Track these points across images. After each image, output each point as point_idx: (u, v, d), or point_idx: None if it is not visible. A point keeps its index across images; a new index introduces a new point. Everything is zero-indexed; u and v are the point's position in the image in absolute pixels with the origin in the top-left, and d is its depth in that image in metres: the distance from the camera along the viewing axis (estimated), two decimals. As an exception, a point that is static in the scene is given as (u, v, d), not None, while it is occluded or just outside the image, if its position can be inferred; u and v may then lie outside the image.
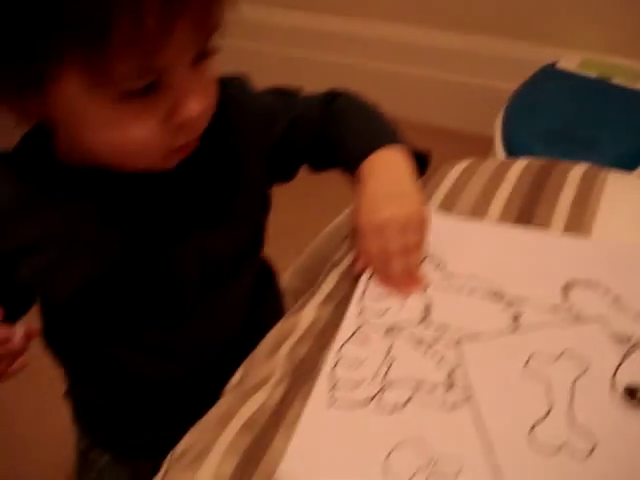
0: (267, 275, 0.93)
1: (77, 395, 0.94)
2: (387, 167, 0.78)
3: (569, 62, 1.92)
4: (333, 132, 0.84)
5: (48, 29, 0.55)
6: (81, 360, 0.84)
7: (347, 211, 1.06)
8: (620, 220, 0.85)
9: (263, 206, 0.85)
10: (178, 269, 0.77)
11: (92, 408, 0.92)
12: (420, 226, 0.76)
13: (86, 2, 0.54)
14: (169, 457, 0.70)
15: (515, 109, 1.84)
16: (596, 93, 1.85)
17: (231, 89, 0.76)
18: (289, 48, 2.29)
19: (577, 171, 0.92)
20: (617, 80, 1.86)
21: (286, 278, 1.14)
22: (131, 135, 0.62)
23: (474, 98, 2.10)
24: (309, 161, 0.87)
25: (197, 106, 0.63)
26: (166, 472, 0.68)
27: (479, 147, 1.76)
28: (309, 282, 0.95)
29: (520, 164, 0.94)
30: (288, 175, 0.88)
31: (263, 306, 0.90)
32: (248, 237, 0.84)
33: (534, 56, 1.95)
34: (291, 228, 1.51)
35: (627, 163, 1.62)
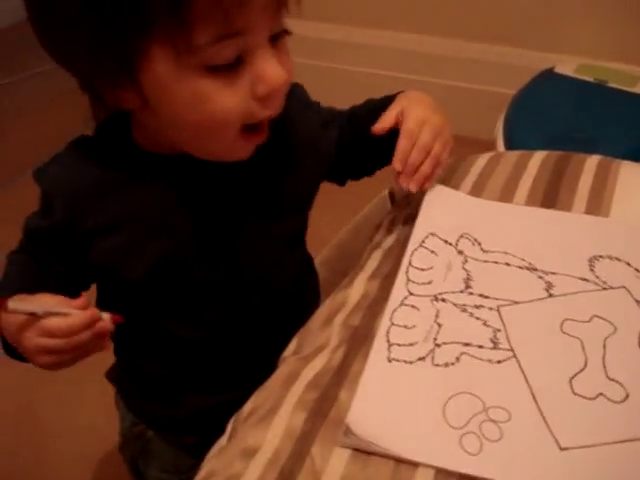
0: (309, 261, 1.00)
1: (125, 368, 0.98)
2: (418, 95, 0.88)
3: (566, 67, 2.00)
4: (361, 108, 0.94)
5: (133, 5, 0.61)
6: (135, 331, 0.88)
7: (374, 201, 1.13)
8: (635, 202, 0.93)
9: (312, 200, 0.92)
10: (242, 256, 0.83)
11: (140, 380, 0.96)
12: (446, 142, 0.85)
13: None
14: (234, 418, 0.76)
15: (516, 113, 1.91)
16: (593, 96, 1.93)
17: (294, 91, 0.81)
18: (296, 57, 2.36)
19: (593, 160, 1.00)
20: (613, 84, 1.94)
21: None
22: (217, 108, 0.67)
23: (476, 104, 2.18)
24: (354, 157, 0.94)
25: (280, 75, 0.67)
26: (234, 431, 0.75)
27: (482, 151, 1.84)
28: (336, 272, 1.03)
29: (540, 155, 1.02)
30: (343, 176, 0.97)
31: (306, 289, 0.97)
32: (299, 227, 0.91)
33: (532, 62, 2.03)
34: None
35: (626, 162, 1.70)
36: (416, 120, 0.83)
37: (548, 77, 2.00)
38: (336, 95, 2.28)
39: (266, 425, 0.70)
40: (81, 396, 1.58)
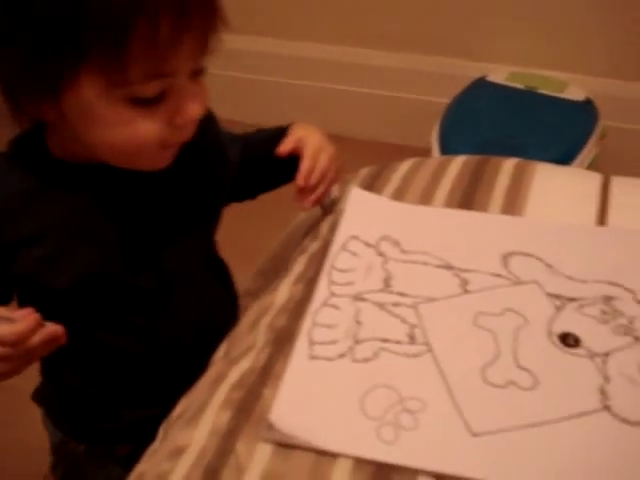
0: (226, 269, 1.02)
1: (54, 387, 0.98)
2: (311, 127, 0.96)
3: (498, 75, 2.06)
4: (255, 136, 1.01)
5: (74, 30, 0.65)
6: (64, 346, 0.89)
7: (302, 215, 1.17)
8: (548, 202, 0.97)
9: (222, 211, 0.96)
10: (165, 261, 0.86)
11: (71, 397, 0.96)
12: (339, 169, 0.94)
13: (109, 6, 0.64)
14: (166, 421, 0.79)
15: (449, 121, 1.96)
16: (524, 103, 1.98)
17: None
18: (230, 71, 2.39)
19: (510, 163, 1.04)
20: (543, 90, 2.00)
21: (249, 281, 1.24)
22: (138, 134, 0.72)
23: (412, 113, 2.23)
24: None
25: (197, 109, 0.73)
26: (165, 433, 0.77)
27: (419, 158, 1.89)
28: (271, 280, 1.06)
29: (460, 159, 1.06)
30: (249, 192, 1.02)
31: (228, 296, 1.01)
32: (212, 238, 0.95)
33: (466, 71, 2.09)
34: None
35: (556, 166, 1.76)
36: (315, 147, 0.92)
37: (480, 85, 2.05)
38: (279, 109, 2.32)
39: (194, 425, 0.73)
40: (20, 413, 1.57)
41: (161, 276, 0.85)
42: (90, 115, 0.71)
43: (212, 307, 0.94)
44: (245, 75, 2.39)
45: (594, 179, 1.02)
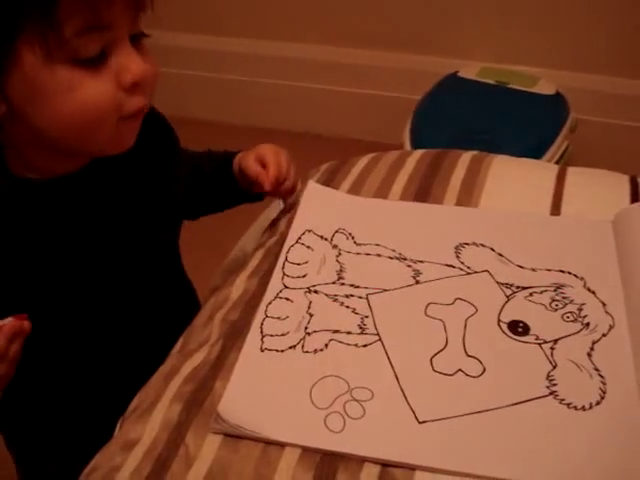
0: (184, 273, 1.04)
1: (15, 413, 0.96)
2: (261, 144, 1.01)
3: (469, 71, 2.08)
4: (203, 157, 1.05)
5: (4, 2, 0.65)
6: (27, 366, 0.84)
7: (268, 209, 1.18)
8: (504, 193, 0.98)
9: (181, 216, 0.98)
10: (123, 269, 0.86)
11: (33, 421, 0.95)
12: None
13: None
14: (122, 417, 0.80)
15: (421, 117, 1.98)
16: (496, 97, 2.00)
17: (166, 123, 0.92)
18: (206, 72, 2.40)
19: (467, 155, 1.06)
20: (514, 85, 2.02)
21: (216, 277, 1.24)
22: (88, 95, 0.70)
23: (384, 110, 2.24)
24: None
25: (142, 66, 0.72)
26: (120, 427, 0.78)
27: (392, 154, 1.89)
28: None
29: (418, 153, 1.07)
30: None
31: (186, 295, 1.02)
32: (171, 241, 0.96)
33: (436, 68, 2.11)
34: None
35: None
36: (273, 153, 0.99)
37: (452, 81, 2.07)
38: (254, 108, 2.33)
39: (146, 419, 0.74)
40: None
41: (119, 280, 0.86)
42: (37, 90, 0.70)
43: (174, 306, 0.94)
44: (224, 76, 2.40)
45: (551, 170, 1.04)
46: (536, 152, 1.86)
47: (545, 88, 2.01)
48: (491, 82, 2.04)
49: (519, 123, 1.92)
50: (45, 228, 0.79)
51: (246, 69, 2.37)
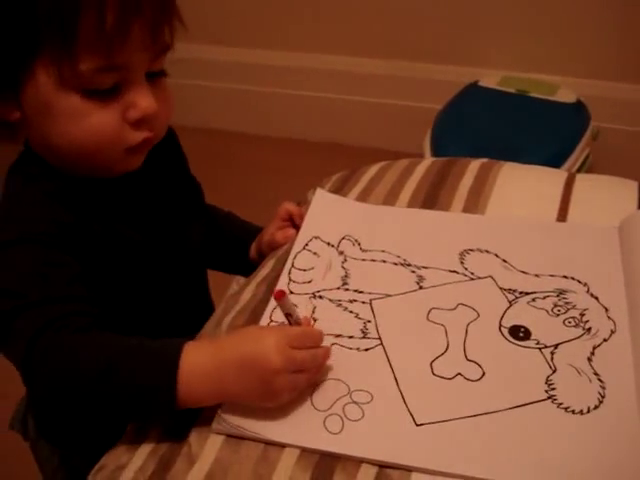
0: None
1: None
2: None
3: (489, 80, 2.08)
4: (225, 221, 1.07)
5: (26, 24, 0.69)
6: None
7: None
8: (511, 201, 0.99)
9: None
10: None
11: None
12: None
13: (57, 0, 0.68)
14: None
15: (442, 126, 1.99)
16: (516, 106, 2.01)
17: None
18: (225, 83, 2.43)
19: (476, 163, 1.07)
20: (534, 93, 2.02)
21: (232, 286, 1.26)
22: (92, 125, 0.74)
23: (405, 119, 2.26)
24: None
25: (150, 104, 0.75)
26: (127, 430, 0.79)
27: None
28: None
29: (428, 161, 1.09)
30: None
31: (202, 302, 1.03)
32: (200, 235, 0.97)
33: (457, 77, 2.12)
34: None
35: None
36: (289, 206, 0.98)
37: (472, 90, 2.07)
38: (273, 118, 2.35)
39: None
40: None
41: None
42: (48, 109, 0.74)
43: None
44: (242, 87, 2.43)
45: (559, 177, 1.04)
46: (557, 160, 1.86)
47: (566, 96, 2.01)
48: (512, 91, 2.04)
49: (540, 132, 1.93)
50: (111, 221, 0.81)
51: (266, 79, 2.40)
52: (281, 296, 0.72)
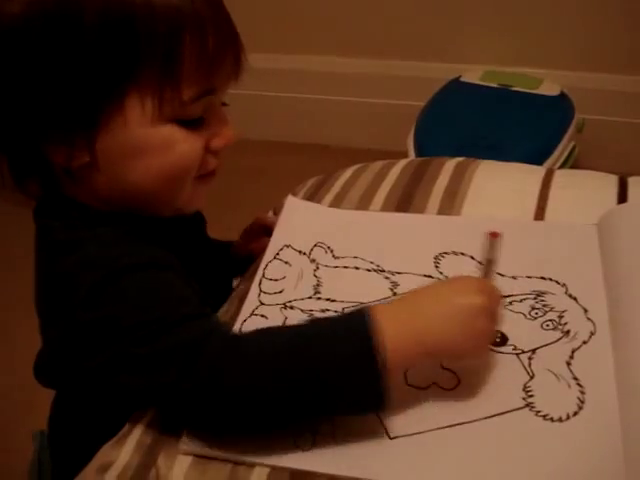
0: None
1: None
2: None
3: (472, 75, 2.06)
4: None
5: (124, 47, 0.64)
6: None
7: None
8: (487, 200, 0.97)
9: None
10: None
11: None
12: None
13: (158, 19, 0.64)
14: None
15: (425, 123, 1.97)
16: (499, 100, 1.99)
17: None
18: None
19: (451, 162, 1.04)
20: (517, 87, 2.00)
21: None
22: (183, 154, 0.70)
23: (389, 118, 2.24)
24: None
25: (234, 134, 0.74)
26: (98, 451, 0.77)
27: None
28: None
29: (403, 162, 1.06)
30: None
31: None
32: None
33: (439, 73, 2.10)
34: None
35: (532, 163, 1.75)
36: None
37: (455, 86, 2.06)
38: (256, 120, 2.33)
39: (121, 443, 0.73)
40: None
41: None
42: (131, 146, 0.68)
43: None
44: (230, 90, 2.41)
45: (536, 174, 1.02)
46: (542, 153, 1.84)
47: (549, 89, 1.99)
48: (494, 85, 2.02)
49: (524, 125, 1.91)
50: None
51: (250, 82, 2.37)
52: (496, 236, 0.73)
